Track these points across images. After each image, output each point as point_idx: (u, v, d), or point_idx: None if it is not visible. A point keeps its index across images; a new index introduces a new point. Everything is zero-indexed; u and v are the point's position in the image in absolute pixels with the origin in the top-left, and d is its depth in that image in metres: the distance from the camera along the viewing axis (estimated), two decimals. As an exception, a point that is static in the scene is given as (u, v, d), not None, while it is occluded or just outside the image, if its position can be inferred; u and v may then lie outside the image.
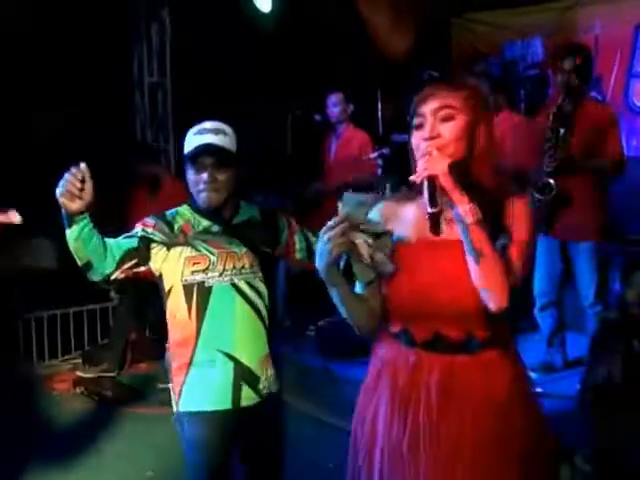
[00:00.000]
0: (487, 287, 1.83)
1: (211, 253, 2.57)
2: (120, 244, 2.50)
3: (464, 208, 1.82)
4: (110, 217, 5.00)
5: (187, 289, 2.55)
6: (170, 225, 2.60)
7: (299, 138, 5.84)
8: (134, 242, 2.52)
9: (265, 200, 6.02)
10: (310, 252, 2.72)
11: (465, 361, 1.93)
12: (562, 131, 4.22)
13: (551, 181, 4.13)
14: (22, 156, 5.49)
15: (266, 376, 2.63)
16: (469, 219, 1.81)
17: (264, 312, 2.61)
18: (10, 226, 2.79)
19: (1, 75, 5.22)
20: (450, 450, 1.91)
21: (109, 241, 2.47)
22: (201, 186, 2.56)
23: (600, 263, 4.30)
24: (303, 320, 5.64)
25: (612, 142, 4.24)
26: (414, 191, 1.97)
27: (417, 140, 1.92)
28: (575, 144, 4.21)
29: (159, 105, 6.48)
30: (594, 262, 4.27)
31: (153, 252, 2.54)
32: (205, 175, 2.55)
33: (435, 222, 1.87)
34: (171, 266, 2.56)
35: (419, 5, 6.94)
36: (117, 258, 2.46)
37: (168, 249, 2.56)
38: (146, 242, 2.54)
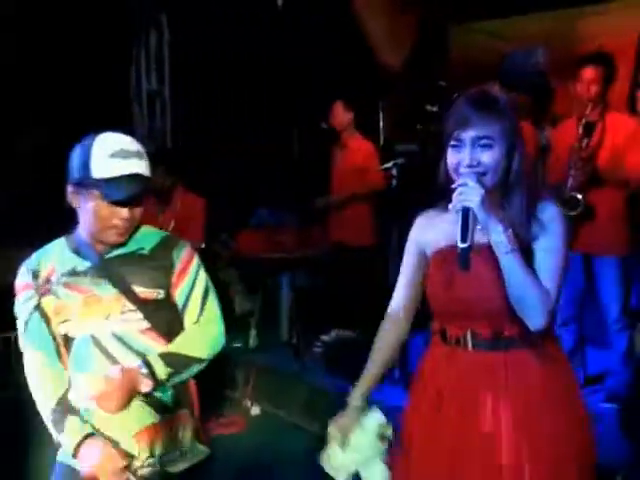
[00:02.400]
0: (523, 311, 1.94)
1: (72, 299, 2.19)
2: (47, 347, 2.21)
3: (498, 238, 1.93)
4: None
5: (62, 342, 2.23)
6: (36, 274, 2.23)
7: (307, 148, 5.84)
8: (43, 328, 2.21)
9: (271, 214, 6.01)
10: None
11: (495, 358, 2.04)
12: (586, 141, 4.24)
13: (579, 196, 4.12)
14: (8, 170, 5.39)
15: (149, 454, 2.18)
16: (503, 249, 1.93)
17: (145, 371, 2.15)
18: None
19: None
20: (476, 445, 2.01)
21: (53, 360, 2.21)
22: (115, 222, 2.17)
23: (625, 278, 4.30)
24: (310, 335, 5.59)
25: (637, 153, 4.19)
26: (448, 201, 2.04)
27: (454, 160, 2.01)
28: (602, 156, 4.21)
29: (157, 116, 6.42)
30: (619, 277, 4.26)
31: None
32: (125, 211, 2.17)
33: (464, 258, 1.95)
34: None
35: (416, 13, 6.98)
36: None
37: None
38: (42, 310, 2.22)
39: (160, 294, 2.23)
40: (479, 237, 2.00)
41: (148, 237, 2.30)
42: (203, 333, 2.32)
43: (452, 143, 2.01)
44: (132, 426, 2.17)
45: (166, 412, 2.22)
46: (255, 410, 5.17)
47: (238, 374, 5.41)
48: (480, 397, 2.03)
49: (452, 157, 2.02)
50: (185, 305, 2.30)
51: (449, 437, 2.06)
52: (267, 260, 5.67)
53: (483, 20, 7.20)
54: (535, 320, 1.94)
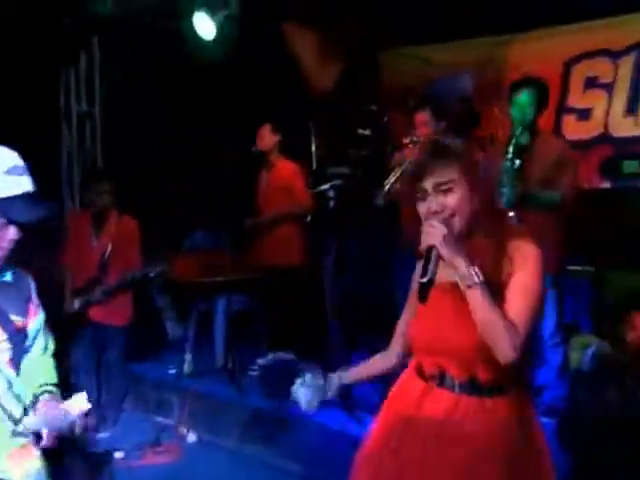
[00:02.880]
0: (492, 344, 1.96)
1: None
2: None
3: (462, 272, 1.99)
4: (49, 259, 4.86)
5: None
6: None
7: (238, 171, 5.84)
8: None
9: (205, 237, 5.97)
10: None
11: (468, 402, 2.07)
12: (518, 163, 4.37)
13: (510, 213, 4.22)
14: None
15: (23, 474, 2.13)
16: (467, 282, 1.98)
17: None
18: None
19: None
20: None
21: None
22: (3, 244, 2.09)
23: (560, 295, 4.44)
24: (246, 360, 5.56)
25: (567, 174, 4.37)
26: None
27: (422, 210, 2.11)
28: (532, 176, 4.33)
29: (87, 138, 6.33)
30: (554, 294, 4.37)
31: None
32: (13, 232, 2.08)
33: (423, 292, 2.01)
34: None
35: (346, 40, 7.09)
36: None
37: None
38: None
39: (23, 323, 2.20)
40: (453, 276, 2.05)
41: (4, 265, 2.19)
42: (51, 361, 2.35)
43: (418, 195, 2.11)
44: (4, 447, 2.11)
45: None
46: (191, 437, 5.10)
47: (173, 400, 5.33)
48: (444, 436, 2.06)
49: (421, 208, 2.11)
50: (36, 336, 2.27)
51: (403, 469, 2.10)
52: (201, 284, 5.61)
53: (412, 46, 7.37)
54: (503, 354, 1.95)
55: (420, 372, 2.18)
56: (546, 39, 6.56)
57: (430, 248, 2.01)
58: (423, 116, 4.89)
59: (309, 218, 5.84)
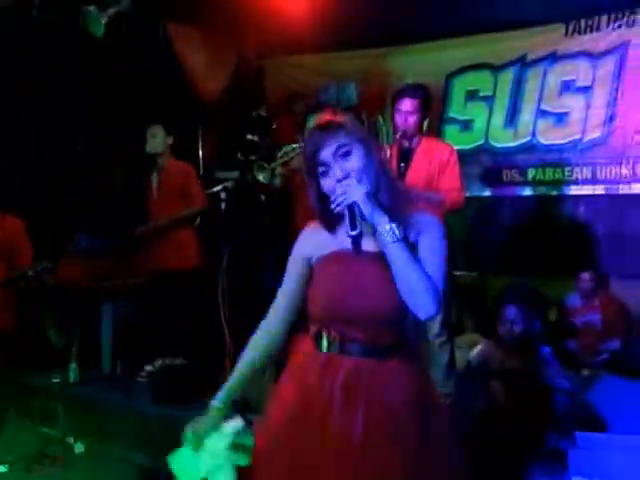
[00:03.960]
0: (415, 300, 2.04)
1: None
2: None
3: (385, 228, 2.06)
4: None
5: None
6: None
7: (128, 172, 5.79)
8: None
9: (91, 243, 5.88)
10: None
11: (370, 365, 2.13)
12: (402, 166, 4.59)
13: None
14: None
15: None
16: (390, 238, 2.05)
17: None
18: None
19: None
20: (340, 448, 2.08)
21: None
22: None
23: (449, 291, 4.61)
24: (134, 366, 5.51)
25: (450, 177, 4.59)
26: (325, 221, 2.24)
27: (329, 185, 2.15)
28: (413, 179, 4.53)
29: None
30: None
31: None
32: None
33: (356, 243, 2.10)
34: None
35: (234, 46, 7.18)
36: None
37: None
38: None
39: None
40: (364, 245, 2.13)
41: None
42: None
43: (320, 170, 2.16)
44: None
45: None
46: (79, 447, 5.00)
47: (59, 410, 5.22)
48: (351, 401, 2.10)
49: (326, 183, 2.16)
50: None
51: (315, 443, 2.11)
52: (87, 290, 5.54)
53: (297, 54, 7.56)
54: (427, 308, 2.03)
55: (319, 341, 2.20)
56: (429, 52, 6.91)
57: (352, 205, 2.06)
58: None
59: (198, 221, 5.84)
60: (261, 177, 5.04)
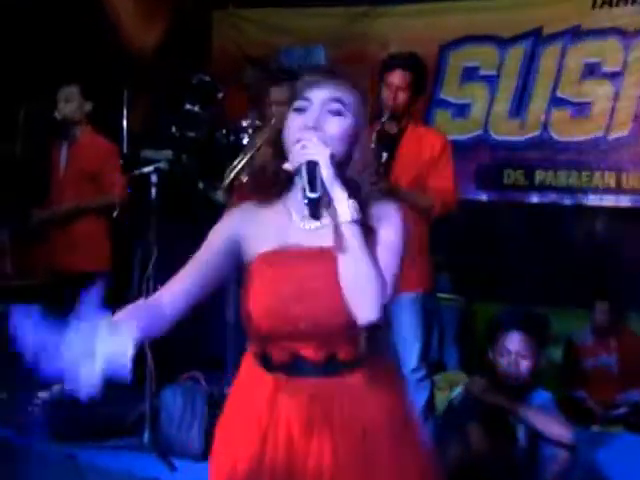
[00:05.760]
0: (356, 297, 2.10)
1: None
2: None
3: (343, 205, 2.12)
4: None
5: None
6: None
7: (32, 143, 5.79)
8: None
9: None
10: None
11: (327, 385, 2.21)
12: (385, 156, 4.57)
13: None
14: None
15: None
16: (347, 217, 2.11)
17: None
18: None
19: None
20: None
21: None
22: None
23: (426, 318, 4.66)
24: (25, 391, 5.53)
25: (442, 175, 4.65)
26: (272, 196, 2.29)
27: (295, 125, 2.19)
28: (398, 173, 4.55)
29: None
30: (419, 318, 4.60)
31: None
32: None
33: (315, 208, 2.10)
34: None
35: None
36: None
37: None
38: None
39: None
40: (310, 242, 2.20)
41: None
42: None
43: (296, 106, 2.21)
44: None
45: None
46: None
47: None
48: (312, 430, 2.18)
49: (293, 121, 2.20)
50: None
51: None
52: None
53: (254, 7, 7.71)
54: (367, 311, 2.07)
55: (265, 363, 2.24)
56: (421, 15, 7.03)
57: (312, 164, 2.09)
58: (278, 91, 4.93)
59: (116, 213, 5.77)
60: (219, 197, 4.97)
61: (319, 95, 2.19)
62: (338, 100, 2.19)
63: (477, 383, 4.26)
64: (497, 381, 4.10)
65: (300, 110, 2.20)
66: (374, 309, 2.07)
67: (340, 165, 2.17)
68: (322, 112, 2.18)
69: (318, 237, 2.20)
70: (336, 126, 2.18)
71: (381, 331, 2.24)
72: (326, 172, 2.10)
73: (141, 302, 2.32)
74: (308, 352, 2.18)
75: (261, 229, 2.28)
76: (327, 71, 2.30)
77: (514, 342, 4.01)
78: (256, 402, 2.24)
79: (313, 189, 2.08)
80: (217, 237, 2.33)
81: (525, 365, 4.00)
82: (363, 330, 2.15)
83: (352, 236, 2.09)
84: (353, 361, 2.21)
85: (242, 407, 2.30)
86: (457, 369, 6.10)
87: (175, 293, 2.29)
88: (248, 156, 4.83)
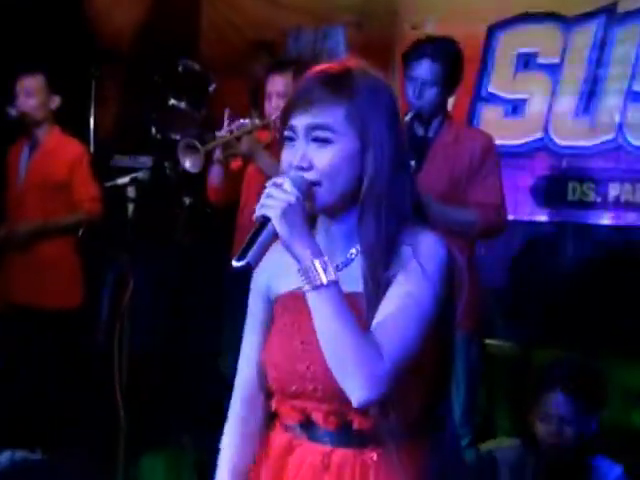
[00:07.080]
0: (340, 377, 2.07)
1: None
2: None
3: (304, 266, 2.07)
4: None
5: None
6: None
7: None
8: None
9: None
10: None
11: (342, 457, 2.22)
12: (412, 164, 4.58)
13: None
14: None
15: None
16: (308, 283, 2.08)
17: None
18: None
19: None
20: None
21: None
22: None
23: (476, 362, 4.73)
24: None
25: (484, 185, 4.64)
26: None
27: (285, 161, 2.22)
28: (428, 185, 4.37)
29: None
30: (465, 365, 4.61)
31: None
32: None
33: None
34: None
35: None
36: None
37: None
38: None
39: None
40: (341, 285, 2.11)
41: None
42: None
43: (287, 134, 2.21)
44: None
45: None
46: None
47: None
48: None
49: (285, 156, 2.22)
50: None
51: None
52: None
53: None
54: (356, 392, 2.05)
55: (280, 421, 2.33)
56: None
57: (265, 220, 2.08)
58: (281, 82, 5.02)
59: (81, 232, 5.86)
60: (188, 164, 4.96)
61: (302, 121, 2.18)
62: (320, 127, 2.16)
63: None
64: (538, 448, 4.06)
65: (290, 140, 2.22)
66: (362, 390, 2.04)
67: (352, 195, 2.18)
68: (308, 143, 2.18)
69: (342, 279, 2.14)
70: (325, 159, 2.16)
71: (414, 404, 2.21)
72: (280, 228, 2.06)
73: (241, 412, 2.45)
74: (318, 417, 2.23)
75: (284, 268, 2.25)
76: (317, 82, 2.20)
77: (557, 404, 3.98)
78: (268, 461, 2.34)
79: (241, 255, 2.07)
80: (254, 308, 2.44)
81: (570, 432, 3.96)
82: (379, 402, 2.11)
83: (318, 303, 2.08)
84: (370, 434, 2.20)
85: (255, 465, 2.39)
86: (510, 434, 6.00)
87: (256, 383, 2.40)
88: (233, 137, 4.90)
